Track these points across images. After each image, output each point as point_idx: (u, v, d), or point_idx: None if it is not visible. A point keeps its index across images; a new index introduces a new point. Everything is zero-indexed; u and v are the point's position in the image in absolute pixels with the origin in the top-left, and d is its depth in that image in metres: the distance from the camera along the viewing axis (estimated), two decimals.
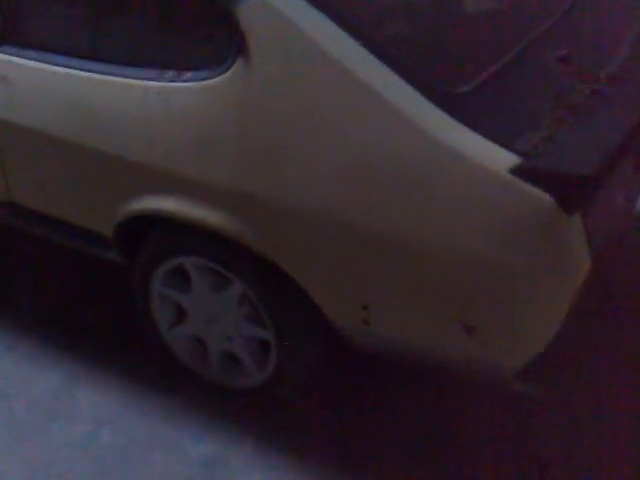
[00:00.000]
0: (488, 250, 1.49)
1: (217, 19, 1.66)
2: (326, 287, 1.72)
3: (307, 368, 1.99)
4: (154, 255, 1.95)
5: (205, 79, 1.67)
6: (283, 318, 1.86)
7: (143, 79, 1.75)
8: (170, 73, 1.73)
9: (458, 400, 2.15)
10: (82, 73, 1.85)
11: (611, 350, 2.30)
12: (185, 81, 1.70)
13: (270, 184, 1.62)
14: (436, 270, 1.56)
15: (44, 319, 2.47)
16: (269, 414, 2.11)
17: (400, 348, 1.76)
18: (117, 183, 1.86)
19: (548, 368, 1.88)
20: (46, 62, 1.92)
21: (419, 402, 2.15)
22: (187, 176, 1.72)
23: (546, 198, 1.44)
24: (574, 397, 2.14)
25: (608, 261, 2.49)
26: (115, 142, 1.80)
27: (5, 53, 1.99)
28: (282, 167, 1.60)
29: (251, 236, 1.70)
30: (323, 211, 1.59)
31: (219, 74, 1.65)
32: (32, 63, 1.94)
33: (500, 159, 1.47)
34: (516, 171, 1.45)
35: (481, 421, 2.08)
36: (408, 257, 1.56)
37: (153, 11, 1.76)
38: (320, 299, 1.74)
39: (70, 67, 1.87)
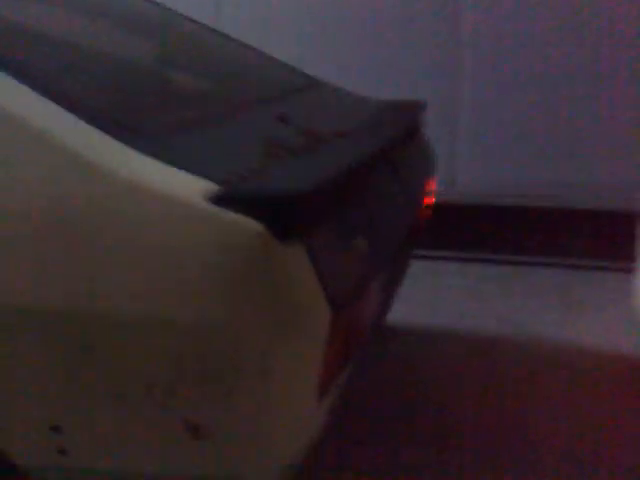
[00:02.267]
0: (185, 311, 1.12)
1: None
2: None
3: None
4: None
5: None
6: None
7: None
8: None
9: None
10: None
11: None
12: None
13: None
14: (135, 351, 1.16)
15: None
16: None
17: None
18: None
19: None
20: None
21: None
22: None
23: (254, 225, 1.12)
24: None
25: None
26: None
27: None
28: None
29: None
30: None
31: None
32: None
33: (196, 188, 1.16)
34: (215, 199, 1.14)
35: None
36: (100, 340, 1.16)
37: None
38: None
39: None
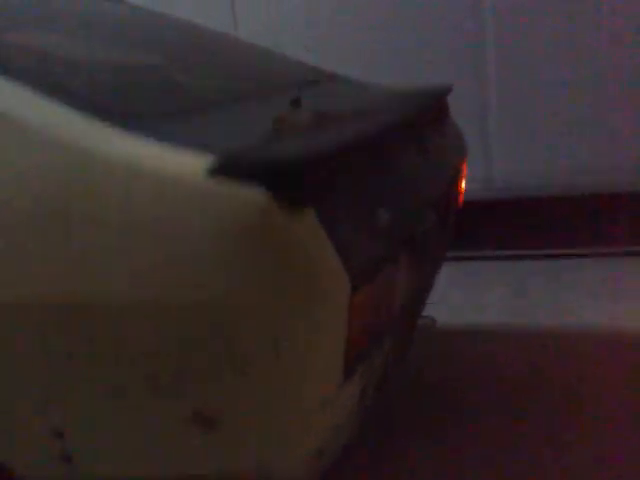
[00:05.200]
0: (193, 293, 1.03)
1: None
2: None
3: None
4: None
5: None
6: None
7: None
8: None
9: None
10: None
11: None
12: None
13: None
14: (136, 339, 1.07)
15: None
16: None
17: None
18: None
19: None
20: None
21: None
22: None
23: (257, 197, 1.02)
24: None
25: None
26: None
27: None
28: None
29: None
30: None
31: None
32: None
33: (193, 163, 1.06)
34: (215, 171, 1.04)
35: None
36: (101, 330, 1.09)
37: None
38: None
39: None
